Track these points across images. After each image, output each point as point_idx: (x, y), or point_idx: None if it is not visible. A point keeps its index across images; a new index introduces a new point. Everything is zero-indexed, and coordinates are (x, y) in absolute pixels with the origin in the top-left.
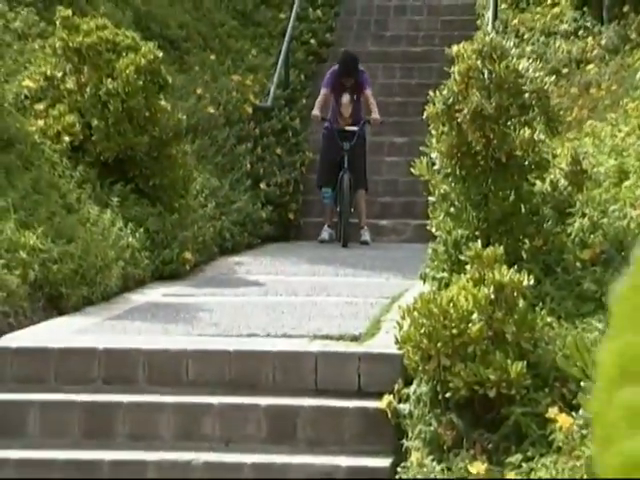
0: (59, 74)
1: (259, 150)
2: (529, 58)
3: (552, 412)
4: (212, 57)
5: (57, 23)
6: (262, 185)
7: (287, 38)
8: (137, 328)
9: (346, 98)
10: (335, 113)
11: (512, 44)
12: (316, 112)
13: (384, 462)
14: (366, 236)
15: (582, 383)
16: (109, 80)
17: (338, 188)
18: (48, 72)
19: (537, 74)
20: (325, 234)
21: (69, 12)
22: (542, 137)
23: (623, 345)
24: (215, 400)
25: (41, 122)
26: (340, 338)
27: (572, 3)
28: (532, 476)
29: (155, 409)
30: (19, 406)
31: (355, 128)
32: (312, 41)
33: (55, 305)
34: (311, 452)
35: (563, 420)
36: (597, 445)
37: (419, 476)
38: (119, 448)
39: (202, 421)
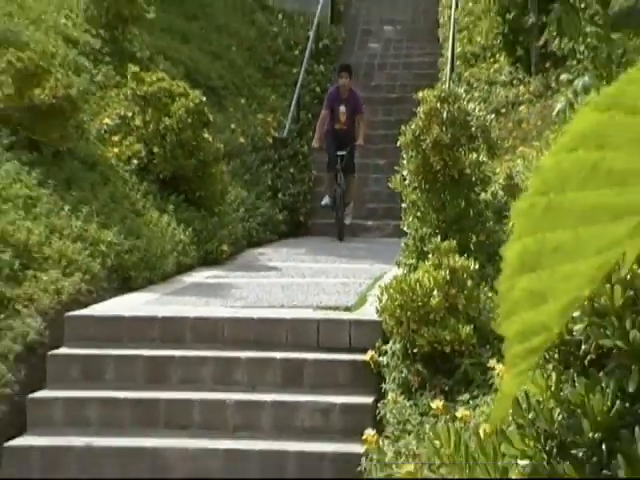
0: (130, 114)
1: (277, 170)
2: (476, 101)
3: (492, 363)
4: (242, 101)
5: (128, 77)
6: (279, 195)
7: (298, 87)
8: (186, 301)
9: (342, 109)
10: (333, 118)
11: (463, 91)
12: (315, 144)
13: (368, 400)
14: (347, 220)
15: None
16: (166, 118)
17: (334, 198)
18: (122, 113)
19: (481, 113)
20: (327, 199)
21: (137, 68)
22: (485, 159)
23: (522, 245)
24: (243, 355)
25: (116, 149)
26: (336, 308)
27: (508, 60)
28: (477, 410)
29: (199, 361)
30: (100, 359)
31: (344, 153)
32: (317, 89)
33: (126, 284)
34: (314, 393)
35: (500, 368)
36: (502, 317)
37: (394, 410)
38: (172, 390)
39: (234, 371)
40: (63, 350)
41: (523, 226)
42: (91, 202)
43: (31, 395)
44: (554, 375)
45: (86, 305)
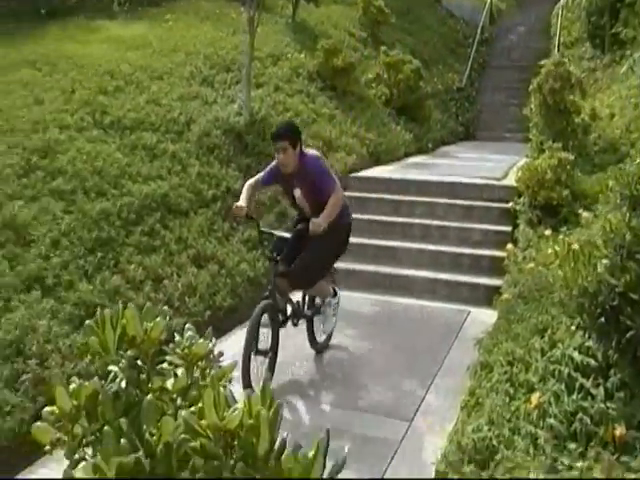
0: (380, 72)
1: (458, 104)
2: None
3: (580, 211)
4: (440, 67)
5: (380, 53)
6: (459, 118)
7: (471, 59)
8: (410, 171)
9: (297, 192)
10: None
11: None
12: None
13: (508, 228)
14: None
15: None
16: (400, 75)
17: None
18: (377, 71)
19: (577, 72)
20: None
21: (385, 48)
22: (577, 99)
23: None
24: (441, 200)
25: (373, 91)
26: (491, 179)
27: (591, 44)
28: (571, 237)
29: (416, 203)
30: (365, 199)
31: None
32: (480, 60)
33: (378, 162)
34: (479, 223)
35: (584, 214)
36: None
37: (522, 234)
38: (403, 217)
39: (435, 209)
40: (348, 193)
41: None
42: (361, 118)
43: None
44: (627, 213)
45: (358, 171)
